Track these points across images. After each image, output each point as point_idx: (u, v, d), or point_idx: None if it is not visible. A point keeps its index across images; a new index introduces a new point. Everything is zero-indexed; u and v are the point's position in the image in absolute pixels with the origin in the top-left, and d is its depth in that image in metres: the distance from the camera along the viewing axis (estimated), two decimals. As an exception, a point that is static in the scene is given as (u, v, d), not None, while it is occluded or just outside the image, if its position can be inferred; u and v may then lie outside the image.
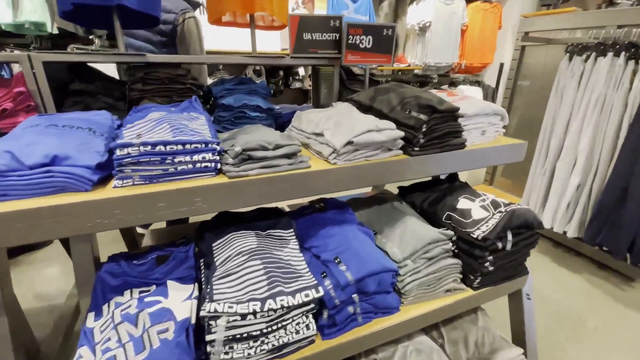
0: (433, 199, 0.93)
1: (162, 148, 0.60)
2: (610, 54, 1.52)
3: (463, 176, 1.07)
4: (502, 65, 3.63)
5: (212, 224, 0.75)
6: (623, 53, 1.49)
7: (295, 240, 0.73)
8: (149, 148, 0.59)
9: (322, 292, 0.61)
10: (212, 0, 1.03)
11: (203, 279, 0.63)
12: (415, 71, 3.56)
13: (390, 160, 0.77)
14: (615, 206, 1.53)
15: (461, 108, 0.86)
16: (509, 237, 0.79)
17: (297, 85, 3.13)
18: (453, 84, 3.82)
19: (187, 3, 1.42)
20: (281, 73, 2.97)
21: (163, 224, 1.40)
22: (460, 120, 0.84)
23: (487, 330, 0.88)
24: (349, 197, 1.09)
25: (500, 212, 0.83)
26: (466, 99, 0.93)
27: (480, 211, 0.85)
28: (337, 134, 0.74)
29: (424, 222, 0.86)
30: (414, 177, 0.82)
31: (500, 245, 0.78)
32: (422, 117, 0.76)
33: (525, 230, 0.83)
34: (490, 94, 3.79)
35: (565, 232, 1.76)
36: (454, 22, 3.37)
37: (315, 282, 0.63)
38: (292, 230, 0.75)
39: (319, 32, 1.04)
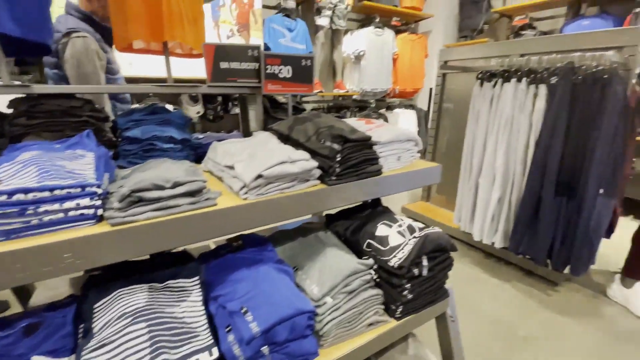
0: (355, 227, 0.92)
1: (22, 197, 0.50)
2: (514, 80, 1.71)
3: (402, 195, 1.09)
4: (431, 90, 3.94)
5: (101, 278, 0.64)
6: (524, 79, 1.68)
7: (199, 290, 0.65)
8: (4, 198, 0.49)
9: (215, 355, 0.54)
10: (117, 27, 0.96)
11: (77, 352, 0.52)
12: (354, 97, 3.71)
13: (307, 192, 0.74)
14: (531, 216, 1.67)
15: (376, 136, 0.88)
16: (424, 262, 0.80)
17: (237, 110, 3.07)
18: (389, 107, 4.04)
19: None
20: (219, 99, 2.90)
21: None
22: (375, 147, 0.85)
23: (418, 358, 0.87)
24: (278, 229, 1.04)
25: (415, 237, 0.83)
26: (383, 126, 0.95)
27: (397, 237, 0.85)
28: (248, 167, 0.70)
29: (346, 252, 0.84)
30: (332, 206, 0.80)
31: (416, 271, 0.78)
32: (336, 146, 0.75)
33: (440, 254, 0.84)
34: (423, 116, 4.09)
35: (493, 243, 1.88)
36: (385, 51, 3.61)
37: (211, 342, 0.55)
38: (196, 278, 0.67)
39: (237, 61, 1.02)
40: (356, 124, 0.99)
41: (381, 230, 0.88)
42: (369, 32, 3.48)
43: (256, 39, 2.60)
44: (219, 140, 0.92)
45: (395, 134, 0.90)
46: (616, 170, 1.49)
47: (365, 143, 0.81)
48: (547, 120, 1.56)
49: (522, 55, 1.85)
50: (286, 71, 1.03)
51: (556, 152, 1.54)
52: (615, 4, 2.83)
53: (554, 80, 1.55)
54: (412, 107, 4.14)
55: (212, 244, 1.12)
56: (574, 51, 1.63)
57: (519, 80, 1.67)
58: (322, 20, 3.16)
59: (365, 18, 3.78)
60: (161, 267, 0.67)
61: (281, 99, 1.22)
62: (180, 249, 0.80)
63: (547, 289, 1.74)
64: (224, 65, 1.00)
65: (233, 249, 0.80)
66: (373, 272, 0.80)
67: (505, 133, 1.73)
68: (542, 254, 1.66)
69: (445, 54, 2.41)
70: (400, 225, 0.89)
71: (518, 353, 1.34)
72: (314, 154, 0.78)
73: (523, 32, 3.20)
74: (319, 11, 3.15)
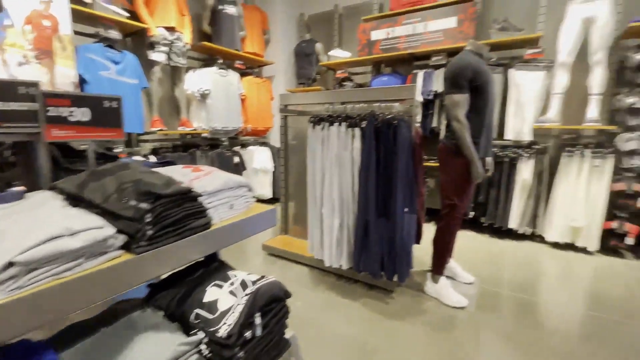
0: (182, 295, 0.81)
1: None
2: (336, 124, 1.99)
3: (264, 232, 1.01)
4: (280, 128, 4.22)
5: None
6: (344, 123, 1.98)
7: None
8: None
9: None
10: None
11: None
12: (204, 134, 3.57)
13: (102, 269, 0.59)
14: (363, 237, 1.93)
15: (202, 185, 0.82)
16: (257, 321, 0.76)
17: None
18: (244, 145, 4.08)
19: None
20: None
21: None
22: (202, 198, 0.79)
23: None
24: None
25: (247, 294, 0.79)
26: (211, 173, 0.91)
27: (228, 299, 0.79)
28: (-4, 248, 0.51)
29: (167, 333, 0.71)
30: (147, 278, 0.67)
31: (249, 334, 0.74)
32: (144, 205, 0.65)
33: (274, 305, 0.83)
34: (276, 153, 4.31)
35: (341, 266, 2.07)
36: (232, 92, 3.67)
37: None
38: None
39: (2, 101, 0.78)
40: (181, 172, 0.91)
41: (211, 294, 0.80)
42: (212, 72, 3.47)
43: (65, 68, 2.17)
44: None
45: (224, 181, 0.87)
46: (413, 191, 1.92)
47: (186, 196, 0.74)
48: (363, 156, 1.88)
49: (342, 103, 2.21)
50: (81, 114, 0.87)
51: (373, 182, 1.86)
52: (402, 66, 3.81)
53: (363, 124, 1.90)
54: (265, 144, 4.31)
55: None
56: (375, 102, 2.05)
57: (340, 124, 1.97)
58: (157, 56, 2.96)
59: (208, 58, 3.78)
60: None
61: (80, 146, 1.01)
62: None
63: (385, 298, 2.02)
64: (-20, 105, 0.75)
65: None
66: (204, 347, 0.71)
67: (336, 168, 1.99)
68: (376, 267, 1.93)
69: (284, 99, 2.63)
70: (232, 284, 0.83)
71: (367, 367, 1.47)
72: (115, 217, 0.65)
73: (345, 83, 3.88)
74: (152, 46, 2.94)
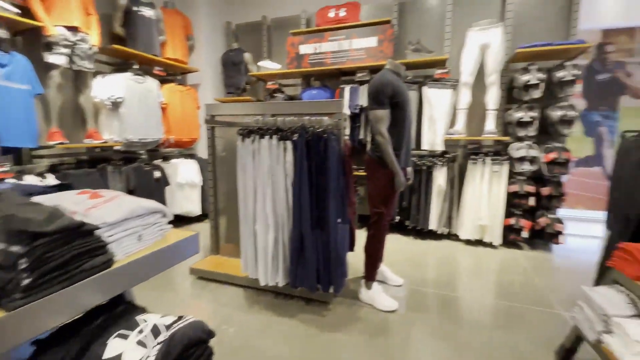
0: (76, 354, 0.67)
1: None
2: (267, 137, 1.95)
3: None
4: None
5: None
6: (275, 136, 1.95)
7: None
8: None
9: None
10: None
11: None
12: (116, 147, 3.18)
13: None
14: (299, 251, 1.91)
15: (101, 215, 0.71)
16: None
17: None
18: (166, 158, 3.76)
19: None
20: None
21: None
22: (100, 231, 0.68)
23: None
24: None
25: (159, 343, 0.70)
26: (114, 200, 0.79)
27: (135, 352, 0.68)
28: None
29: None
30: (26, 339, 0.54)
31: None
32: (15, 249, 0.52)
33: (195, 350, 0.74)
34: (204, 166, 4.06)
35: (277, 283, 2.01)
36: (150, 100, 3.36)
37: None
38: None
39: None
40: (74, 199, 0.77)
41: (113, 347, 0.68)
42: (126, 78, 3.13)
43: None
44: None
45: (130, 209, 0.76)
46: (345, 202, 1.97)
47: (77, 231, 0.62)
48: (296, 169, 1.87)
49: (273, 115, 2.18)
50: None
51: (306, 194, 1.86)
52: (330, 80, 3.95)
53: (295, 137, 1.89)
54: (192, 156, 4.03)
55: None
56: (305, 114, 2.07)
57: (271, 137, 1.93)
58: (56, 58, 2.56)
59: (121, 62, 3.41)
60: None
61: None
62: None
63: (322, 310, 2.02)
64: None
65: None
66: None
67: (269, 181, 1.94)
68: (313, 281, 1.92)
69: (210, 109, 2.49)
70: (141, 331, 0.72)
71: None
72: (-23, 262, 0.51)
73: (276, 95, 3.86)
74: (49, 47, 2.54)
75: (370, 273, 2.14)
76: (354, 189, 2.44)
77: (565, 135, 3.05)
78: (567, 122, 2.97)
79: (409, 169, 2.22)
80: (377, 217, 2.04)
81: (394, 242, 3.31)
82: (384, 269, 2.41)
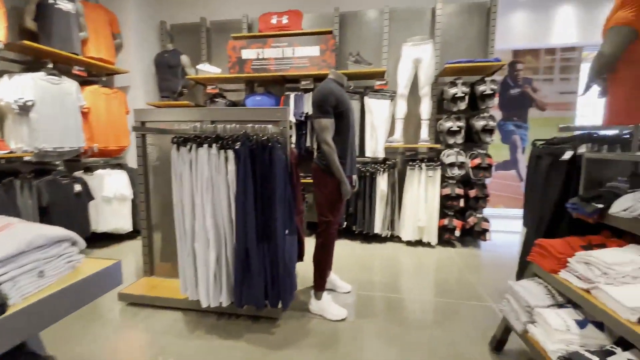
0: None
1: None
2: (206, 145, 1.83)
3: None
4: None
5: None
6: (214, 144, 1.83)
7: None
8: None
9: None
10: None
11: None
12: (27, 158, 2.74)
13: None
14: (244, 267, 1.81)
15: (-14, 249, 0.57)
16: None
17: None
18: (89, 169, 3.34)
19: None
20: None
21: None
22: (-16, 270, 0.54)
23: None
24: None
25: None
26: (6, 229, 0.64)
27: None
28: None
29: None
30: None
31: None
32: None
33: None
34: (135, 176, 3.69)
35: (221, 303, 1.88)
36: (69, 104, 2.97)
37: None
38: None
39: None
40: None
41: None
42: (38, 79, 2.73)
43: None
44: None
45: (26, 241, 0.62)
46: (292, 212, 1.93)
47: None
48: (239, 180, 1.77)
49: (212, 123, 2.05)
50: None
51: (251, 206, 1.77)
52: (275, 87, 3.90)
53: (237, 146, 1.80)
54: (121, 166, 3.63)
55: None
56: (249, 122, 1.99)
57: (210, 146, 1.81)
58: (-64, 52, 2.11)
59: (32, 61, 2.96)
60: None
61: None
62: None
63: (271, 328, 1.93)
64: None
65: None
66: None
67: (209, 194, 1.81)
68: (260, 298, 1.83)
69: (141, 115, 2.26)
70: None
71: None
72: None
73: (217, 100, 3.68)
74: None
75: (320, 283, 2.11)
76: (302, 197, 2.41)
77: (487, 143, 3.40)
78: (489, 131, 3.33)
79: (354, 177, 2.27)
80: (325, 225, 2.03)
81: (342, 247, 3.36)
82: (333, 277, 2.41)
